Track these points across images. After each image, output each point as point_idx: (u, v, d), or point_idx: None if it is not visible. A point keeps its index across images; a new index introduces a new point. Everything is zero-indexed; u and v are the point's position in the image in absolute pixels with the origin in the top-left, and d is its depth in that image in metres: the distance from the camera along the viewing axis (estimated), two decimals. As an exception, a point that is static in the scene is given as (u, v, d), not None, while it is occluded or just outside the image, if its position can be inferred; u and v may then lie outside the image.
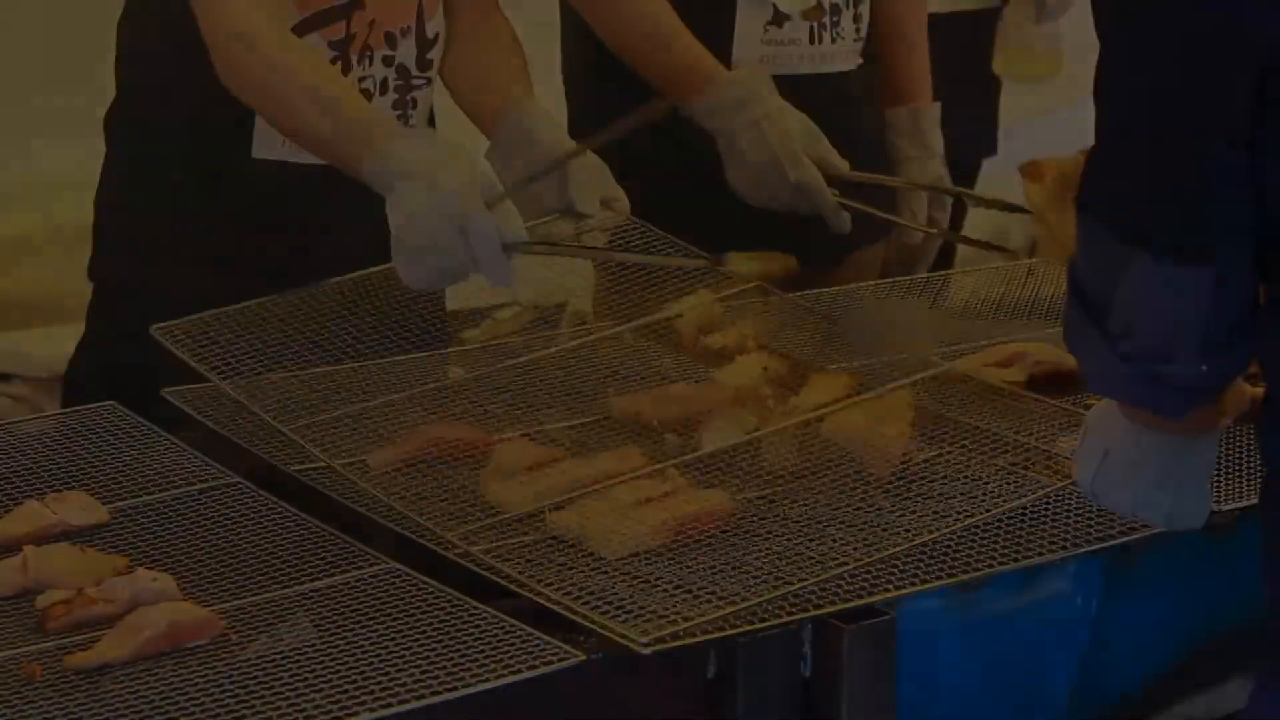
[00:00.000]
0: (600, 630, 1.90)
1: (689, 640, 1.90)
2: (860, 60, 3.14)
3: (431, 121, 2.81)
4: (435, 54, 2.71)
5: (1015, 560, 2.09)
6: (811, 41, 3.06)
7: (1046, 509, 2.19)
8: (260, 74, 2.46)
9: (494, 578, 2.01)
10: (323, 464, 2.24)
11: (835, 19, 3.08)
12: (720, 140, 2.89)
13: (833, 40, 3.08)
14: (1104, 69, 1.69)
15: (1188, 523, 1.90)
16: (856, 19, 3.12)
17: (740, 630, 1.93)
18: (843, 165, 2.87)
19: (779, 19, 3.02)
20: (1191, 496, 1.88)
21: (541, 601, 1.96)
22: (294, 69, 2.44)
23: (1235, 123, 1.63)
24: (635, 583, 2.01)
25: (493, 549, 2.07)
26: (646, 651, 1.87)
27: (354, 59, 2.62)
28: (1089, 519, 2.17)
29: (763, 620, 1.94)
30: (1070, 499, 2.19)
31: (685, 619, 1.91)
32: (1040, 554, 2.11)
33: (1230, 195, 1.64)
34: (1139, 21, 1.65)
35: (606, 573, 2.03)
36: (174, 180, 2.68)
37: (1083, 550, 2.12)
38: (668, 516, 2.10)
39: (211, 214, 2.65)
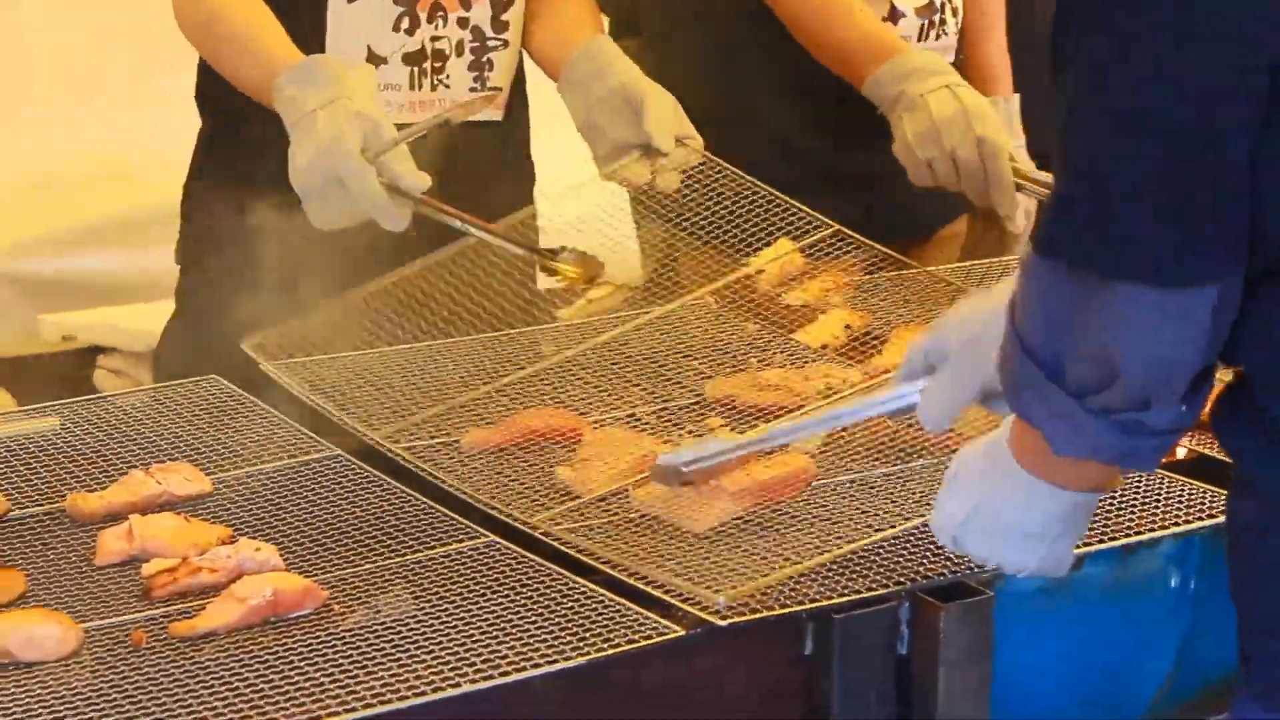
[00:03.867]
0: (681, 605, 1.91)
1: (765, 613, 1.90)
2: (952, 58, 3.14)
3: (521, 87, 2.82)
4: (512, 15, 2.71)
5: (1112, 538, 2.08)
6: (920, 38, 3.05)
7: (1142, 485, 2.18)
8: (201, 21, 2.52)
9: (581, 556, 2.02)
10: (414, 443, 2.26)
11: (940, 17, 3.07)
12: (896, 109, 2.85)
13: (937, 38, 3.07)
14: (1086, 100, 1.57)
15: (1051, 574, 1.84)
16: (954, 12, 3.12)
17: (835, 603, 1.93)
18: (1008, 143, 2.84)
19: (894, 16, 3.01)
20: (1063, 550, 1.81)
21: (626, 579, 1.97)
22: (229, 18, 2.49)
23: (1244, 134, 1.55)
24: (716, 556, 2.01)
25: (577, 529, 2.08)
26: (723, 624, 1.88)
27: (422, 17, 2.63)
28: (1187, 497, 2.16)
29: (857, 592, 1.95)
30: (1168, 475, 2.19)
31: (759, 575, 1.93)
32: (1137, 532, 2.10)
33: (1237, 211, 1.57)
34: (1144, 44, 1.54)
35: (690, 545, 2.04)
36: (249, 156, 2.69)
37: (1180, 529, 2.12)
38: (749, 481, 2.10)
39: (289, 187, 2.67)
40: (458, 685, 1.77)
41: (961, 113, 2.80)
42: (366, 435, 2.29)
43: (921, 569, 2.00)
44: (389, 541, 2.06)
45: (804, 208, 2.66)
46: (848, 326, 2.56)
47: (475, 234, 2.41)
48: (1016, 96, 3.26)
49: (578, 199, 2.69)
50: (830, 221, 2.66)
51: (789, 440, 2.04)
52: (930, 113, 2.81)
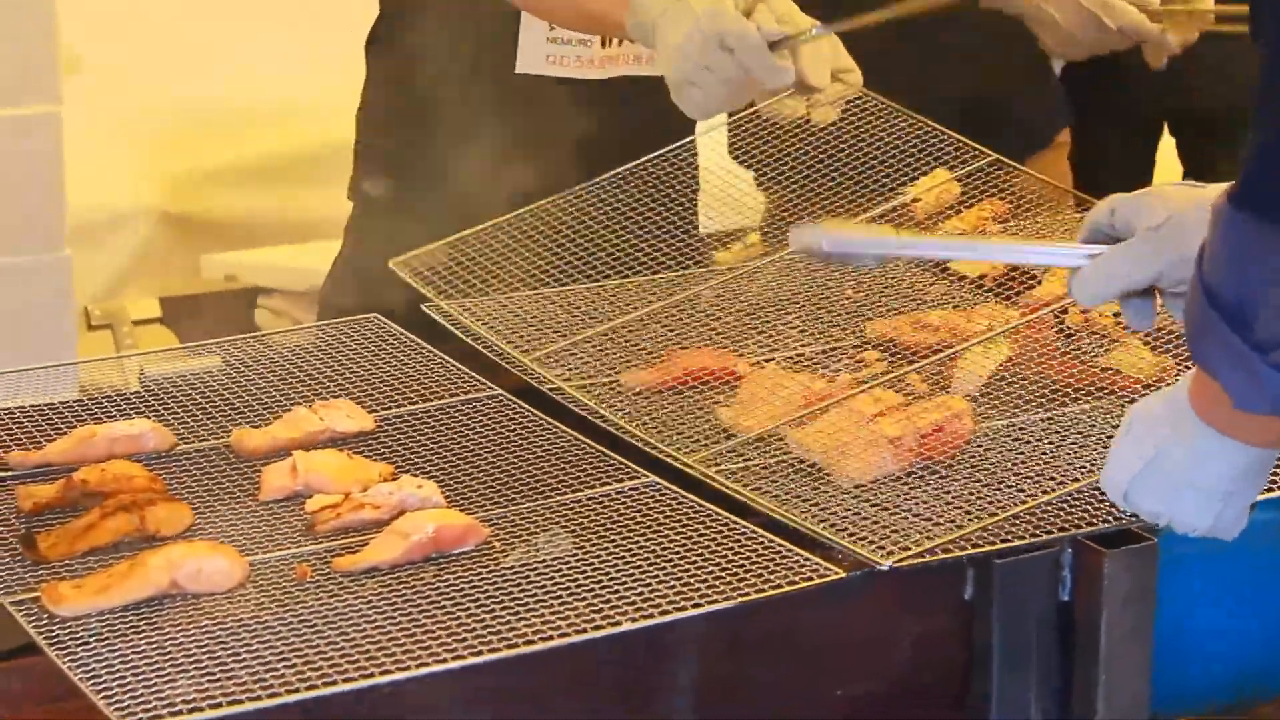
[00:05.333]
0: (844, 549, 1.91)
1: (929, 559, 1.89)
2: None
3: None
4: None
5: (1281, 488, 2.05)
6: None
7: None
8: None
9: (741, 497, 2.02)
10: (573, 383, 2.27)
11: None
12: (1027, 14, 2.92)
13: None
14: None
15: (1223, 535, 1.81)
16: None
17: (998, 548, 1.92)
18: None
19: None
20: (1237, 511, 1.79)
21: (787, 520, 1.96)
22: None
23: None
24: (879, 505, 2.01)
25: (734, 471, 2.08)
26: (885, 567, 1.87)
27: None
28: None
29: (1019, 539, 1.93)
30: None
31: (928, 538, 1.91)
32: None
33: None
34: None
35: (851, 494, 2.03)
36: (435, 100, 2.71)
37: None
38: (909, 433, 2.08)
39: (472, 132, 2.69)
40: (617, 624, 1.77)
41: (1090, 17, 2.87)
42: (528, 373, 2.30)
43: (1084, 515, 1.98)
44: (549, 480, 2.07)
45: (962, 138, 2.63)
46: None
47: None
48: None
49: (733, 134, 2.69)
50: (987, 150, 2.63)
51: (941, 256, 2.00)
52: (1061, 27, 2.90)
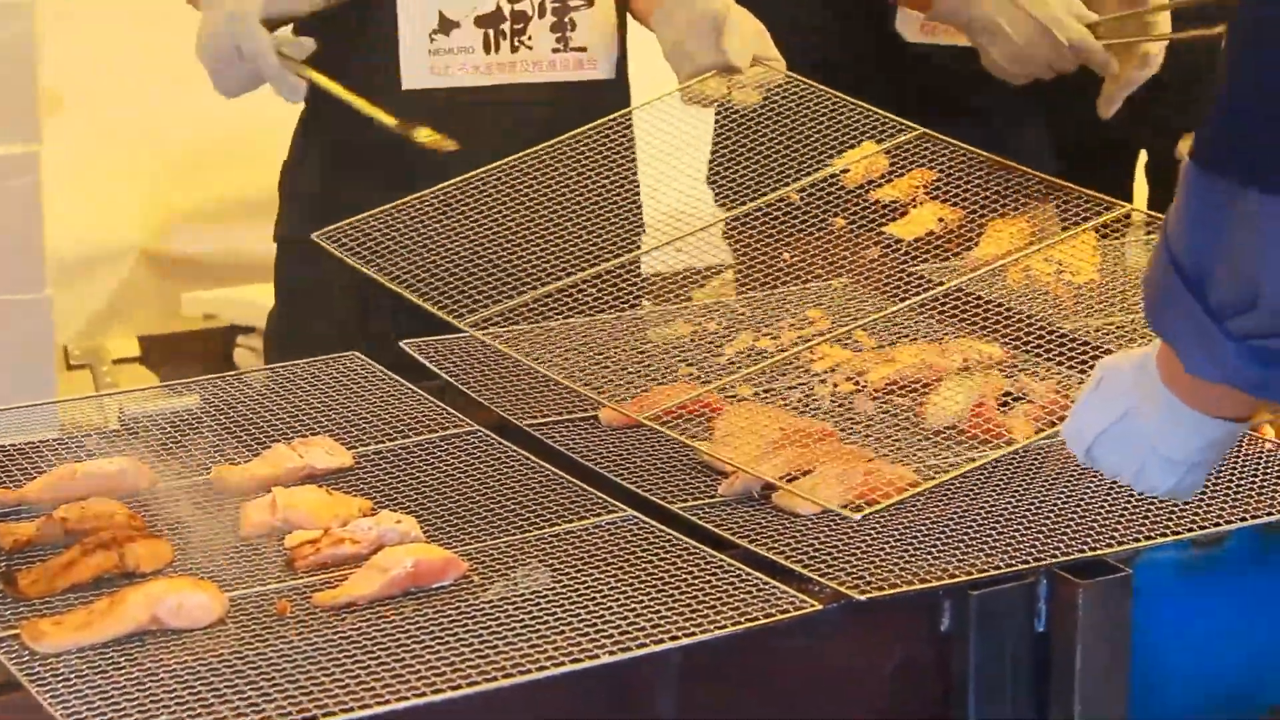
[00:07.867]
0: (819, 580, 1.92)
1: (906, 588, 1.90)
2: None
3: (623, 48, 2.82)
4: None
5: (1254, 516, 2.06)
6: None
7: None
8: None
9: (714, 530, 2.03)
10: (550, 419, 2.28)
11: None
12: (975, 27, 2.92)
13: None
14: (1249, 11, 1.54)
15: (1180, 498, 1.84)
16: None
17: (974, 579, 1.93)
18: (1088, 15, 2.91)
19: None
20: (1200, 476, 1.79)
21: (763, 554, 1.98)
22: None
23: None
24: (853, 536, 2.02)
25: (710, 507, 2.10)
26: (861, 598, 1.88)
27: None
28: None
29: (994, 569, 1.95)
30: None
31: (903, 568, 1.92)
32: (1281, 511, 2.08)
33: None
34: None
35: (825, 526, 2.04)
36: (335, 134, 2.73)
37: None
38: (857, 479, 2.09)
39: (369, 159, 2.70)
40: (595, 657, 1.78)
41: (1042, 30, 2.86)
42: (505, 410, 2.30)
43: (1060, 546, 1.99)
44: (527, 515, 2.08)
45: (890, 115, 2.64)
46: (941, 220, 2.54)
47: (355, 105, 2.54)
48: None
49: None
50: (915, 125, 2.64)
51: None
52: (1012, 39, 2.88)
